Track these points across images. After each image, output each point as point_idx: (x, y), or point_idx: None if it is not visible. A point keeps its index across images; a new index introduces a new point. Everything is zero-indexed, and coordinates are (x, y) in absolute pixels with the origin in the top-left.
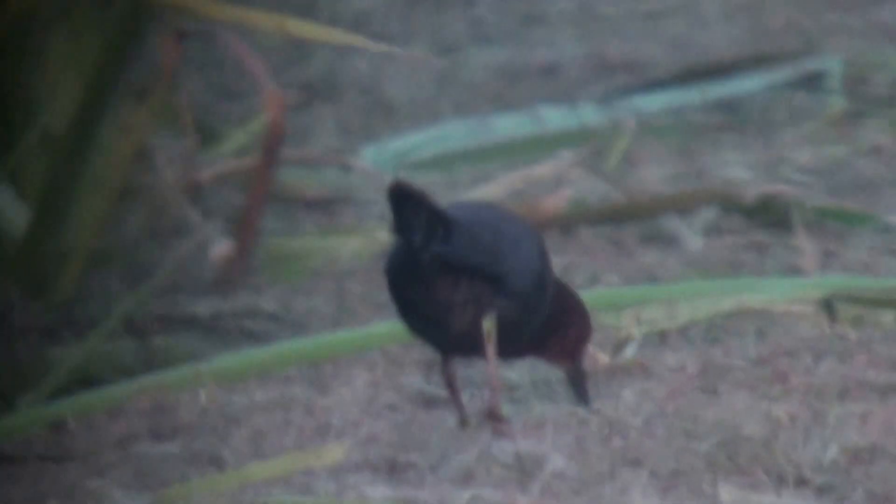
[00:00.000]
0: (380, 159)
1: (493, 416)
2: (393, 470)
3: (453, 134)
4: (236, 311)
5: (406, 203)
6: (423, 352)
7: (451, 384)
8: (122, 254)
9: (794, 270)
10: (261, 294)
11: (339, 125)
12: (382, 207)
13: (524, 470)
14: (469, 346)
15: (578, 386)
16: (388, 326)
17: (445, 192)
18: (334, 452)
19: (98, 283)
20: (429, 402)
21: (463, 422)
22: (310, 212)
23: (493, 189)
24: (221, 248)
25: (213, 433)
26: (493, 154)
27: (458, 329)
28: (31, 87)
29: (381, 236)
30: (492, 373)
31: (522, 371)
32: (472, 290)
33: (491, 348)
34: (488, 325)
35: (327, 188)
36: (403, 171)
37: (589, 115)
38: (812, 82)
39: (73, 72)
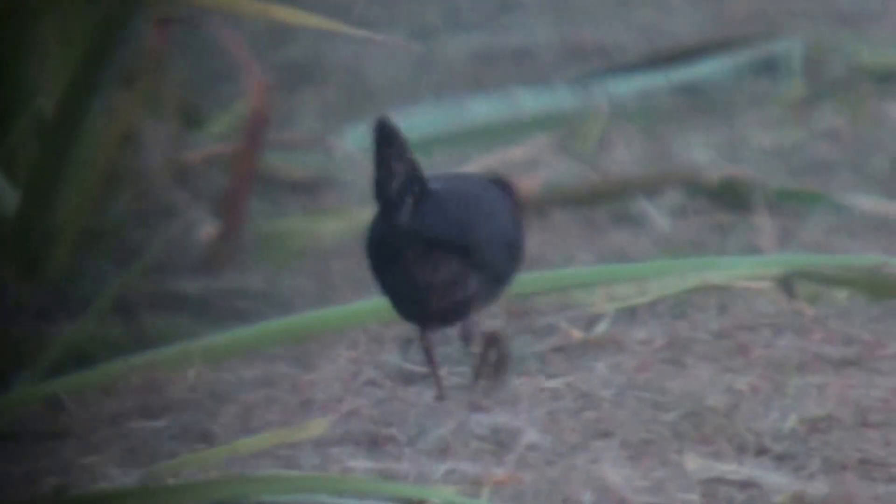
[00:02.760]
0: (361, 142)
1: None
2: (373, 443)
3: (431, 117)
4: (223, 291)
5: (389, 142)
6: (403, 329)
7: (429, 357)
8: (111, 235)
9: (754, 249)
10: (247, 274)
11: (322, 108)
12: (364, 188)
13: (499, 443)
14: (446, 317)
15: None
16: (370, 305)
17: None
18: (318, 427)
19: (89, 264)
20: (407, 379)
21: (440, 395)
22: (294, 193)
23: (469, 171)
24: (208, 229)
25: (203, 409)
26: (469, 137)
27: (434, 302)
28: (21, 73)
29: (363, 216)
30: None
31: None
32: (445, 262)
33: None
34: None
35: (310, 170)
36: None
37: (562, 98)
38: (772, 66)
39: (62, 58)
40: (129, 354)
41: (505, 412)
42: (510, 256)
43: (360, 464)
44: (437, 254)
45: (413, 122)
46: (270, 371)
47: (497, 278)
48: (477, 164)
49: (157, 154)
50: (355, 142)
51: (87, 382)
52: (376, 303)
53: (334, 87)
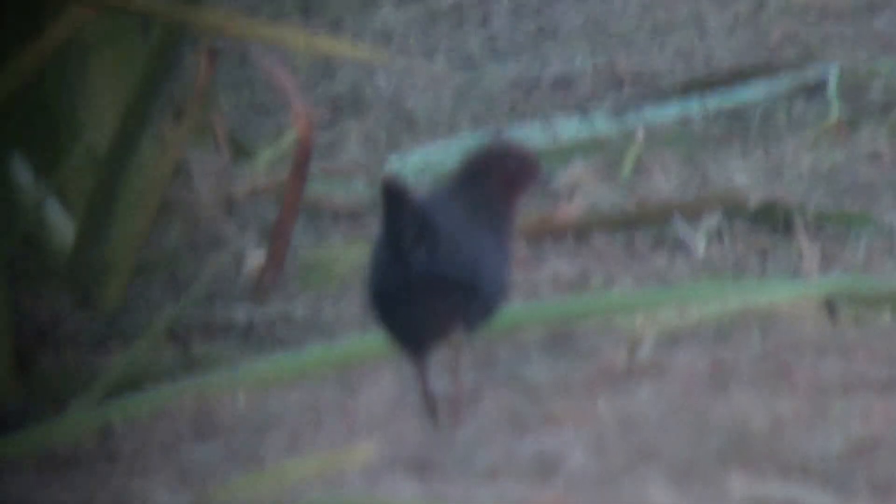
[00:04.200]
0: (403, 171)
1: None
2: (421, 468)
3: (471, 145)
4: (270, 318)
5: (398, 201)
6: (446, 354)
7: (426, 388)
8: (163, 265)
9: (796, 272)
10: (292, 301)
11: (365, 138)
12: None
13: (546, 466)
14: (437, 345)
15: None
16: None
17: None
18: (365, 452)
19: (141, 294)
20: (454, 402)
21: (436, 423)
22: (338, 222)
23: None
24: (256, 258)
25: (252, 434)
26: None
27: (431, 336)
28: (75, 107)
29: None
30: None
31: (541, 367)
32: (449, 299)
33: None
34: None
35: (354, 200)
36: (425, 181)
37: (601, 125)
38: (811, 91)
39: (114, 92)
40: (180, 381)
41: (550, 436)
42: (503, 293)
43: (408, 488)
44: (444, 293)
45: (454, 151)
46: (317, 396)
47: (492, 311)
48: None
49: (206, 186)
50: (397, 172)
51: (138, 408)
52: None
53: (376, 117)
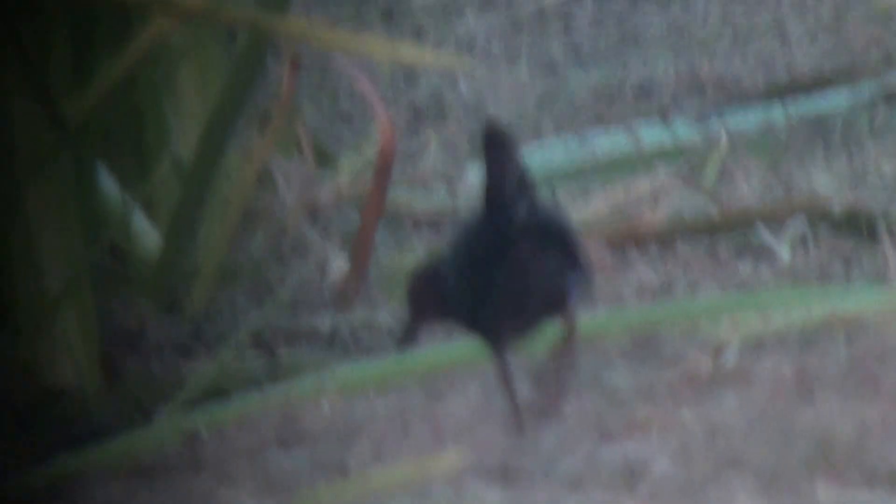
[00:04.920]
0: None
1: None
2: (506, 475)
3: (555, 152)
4: (353, 325)
5: (502, 148)
6: (531, 361)
7: (508, 384)
8: (247, 273)
9: (881, 278)
10: (376, 308)
11: (446, 146)
12: None
13: (631, 473)
14: (545, 312)
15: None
16: None
17: None
18: (451, 459)
19: (226, 301)
20: (538, 410)
21: (520, 425)
22: (419, 229)
23: (595, 205)
24: (339, 265)
25: (337, 441)
26: (593, 171)
27: (536, 300)
28: (161, 117)
29: None
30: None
31: (625, 374)
32: (552, 260)
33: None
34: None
35: (435, 207)
36: None
37: (683, 132)
38: (893, 97)
39: (199, 102)
40: (266, 388)
41: (635, 443)
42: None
43: (494, 495)
44: (547, 250)
45: (536, 158)
46: (403, 403)
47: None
48: (601, 198)
49: (290, 194)
50: (478, 179)
51: (224, 416)
52: None
53: (459, 125)
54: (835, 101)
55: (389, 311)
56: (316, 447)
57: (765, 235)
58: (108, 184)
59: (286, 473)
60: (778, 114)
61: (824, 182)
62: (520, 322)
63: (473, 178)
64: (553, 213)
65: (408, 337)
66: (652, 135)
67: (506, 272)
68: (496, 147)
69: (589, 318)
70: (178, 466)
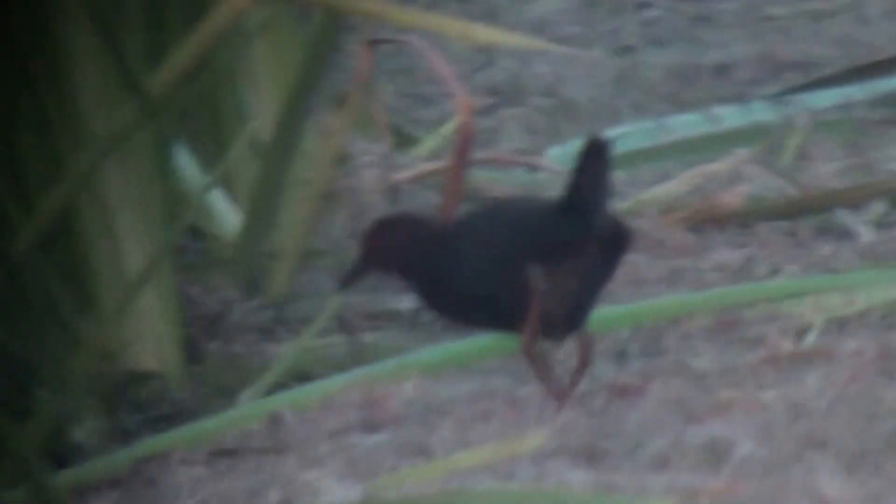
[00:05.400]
0: (564, 159)
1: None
2: (591, 456)
3: (632, 133)
4: None
5: (603, 160)
6: (616, 342)
7: (541, 367)
8: (329, 254)
9: None
10: None
11: (524, 127)
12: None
13: (715, 454)
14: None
15: None
16: None
17: (628, 190)
18: (535, 440)
19: (308, 282)
20: (621, 391)
21: (559, 407)
22: None
23: (673, 186)
24: None
25: (420, 423)
26: (670, 152)
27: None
28: (239, 96)
29: None
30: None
31: (709, 356)
32: (614, 260)
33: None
34: None
35: (515, 188)
36: None
37: (761, 113)
38: None
39: (277, 81)
40: (347, 370)
41: (719, 423)
42: None
43: (578, 476)
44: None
45: (614, 139)
46: (486, 385)
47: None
48: (679, 179)
49: (369, 174)
50: (558, 159)
51: (307, 398)
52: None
53: (536, 106)
54: None
55: None
56: (399, 430)
57: (845, 216)
58: (188, 163)
59: (369, 456)
60: (857, 93)
61: None
62: (555, 320)
63: (552, 158)
64: (621, 227)
65: (349, 279)
66: (729, 115)
67: (566, 273)
68: (595, 155)
69: (672, 299)
70: (261, 448)
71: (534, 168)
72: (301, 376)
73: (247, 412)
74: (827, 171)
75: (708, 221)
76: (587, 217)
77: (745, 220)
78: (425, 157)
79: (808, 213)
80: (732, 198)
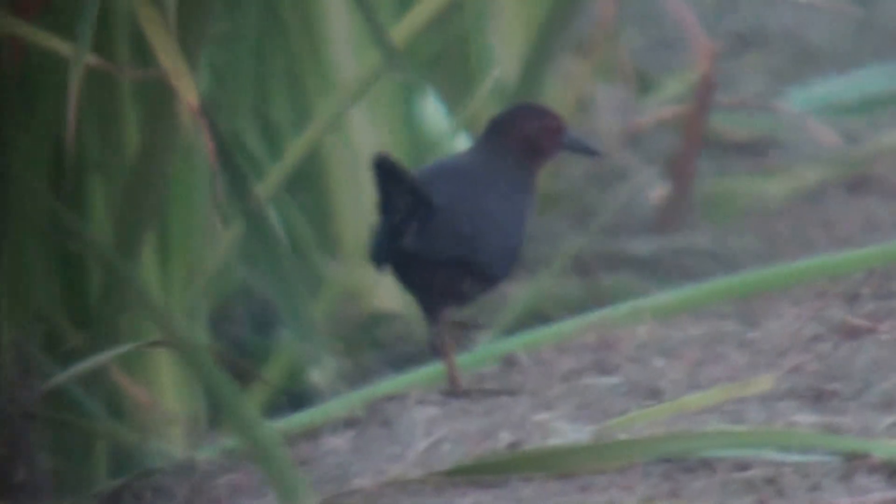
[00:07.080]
0: (805, 103)
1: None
2: (818, 398)
3: (873, 79)
4: (673, 250)
5: (390, 178)
6: (848, 285)
7: (443, 349)
8: (568, 197)
9: None
10: (695, 233)
11: (766, 72)
12: (810, 149)
13: None
14: (440, 308)
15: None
16: (814, 262)
17: (867, 134)
18: (764, 382)
19: (547, 226)
20: (852, 333)
21: (453, 390)
22: (740, 155)
23: None
24: (659, 190)
25: (652, 366)
26: None
27: (432, 303)
28: (484, 41)
29: (808, 177)
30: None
31: None
32: (441, 274)
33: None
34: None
35: (756, 132)
36: (826, 114)
37: None
38: None
39: (521, 27)
40: (583, 312)
41: None
42: (510, 261)
43: (805, 418)
44: (439, 269)
45: (854, 84)
46: (717, 328)
47: (493, 281)
48: None
49: (610, 118)
50: (800, 103)
51: (542, 340)
52: (820, 260)
53: (777, 52)
54: None
55: (709, 236)
56: (631, 372)
57: None
58: (434, 108)
59: (601, 397)
60: None
61: None
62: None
63: (794, 102)
64: (458, 228)
65: None
66: None
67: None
68: (385, 174)
69: None
70: (495, 389)
71: (774, 112)
72: (537, 317)
73: (483, 353)
74: None
75: None
76: (397, 234)
77: None
78: (667, 101)
79: None
80: None
